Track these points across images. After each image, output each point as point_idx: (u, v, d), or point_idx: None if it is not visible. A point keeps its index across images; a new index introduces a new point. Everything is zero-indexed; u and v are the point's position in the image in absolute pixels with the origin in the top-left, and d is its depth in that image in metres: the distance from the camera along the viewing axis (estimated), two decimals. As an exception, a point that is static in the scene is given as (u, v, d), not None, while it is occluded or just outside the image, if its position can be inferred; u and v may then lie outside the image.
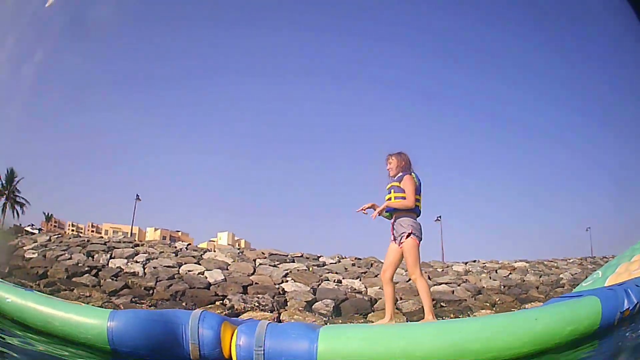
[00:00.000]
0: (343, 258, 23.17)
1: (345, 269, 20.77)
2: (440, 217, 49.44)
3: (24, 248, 21.41)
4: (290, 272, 18.85)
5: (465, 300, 17.06)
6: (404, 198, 5.81)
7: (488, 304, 16.72)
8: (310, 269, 20.06)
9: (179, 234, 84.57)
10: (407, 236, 5.70)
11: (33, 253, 20.14)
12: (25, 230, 58.37)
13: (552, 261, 26.53)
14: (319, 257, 23.06)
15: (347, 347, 3.97)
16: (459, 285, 18.85)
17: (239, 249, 26.57)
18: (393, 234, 5.93)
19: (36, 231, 54.55)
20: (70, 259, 18.82)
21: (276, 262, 20.47)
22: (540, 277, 22.04)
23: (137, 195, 50.60)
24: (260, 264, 19.92)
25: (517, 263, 24.55)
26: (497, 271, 22.78)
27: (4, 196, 67.18)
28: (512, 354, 3.78)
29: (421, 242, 5.78)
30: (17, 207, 68.28)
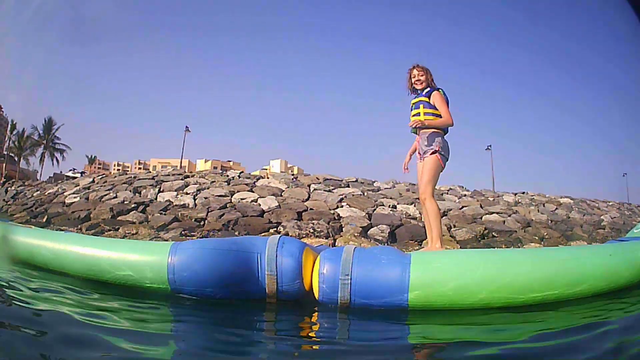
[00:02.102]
0: (397, 183, 23.42)
1: (400, 194, 20.84)
2: (490, 146, 49.69)
3: (65, 194, 21.61)
4: (345, 197, 18.89)
5: (516, 231, 17.31)
6: (435, 115, 5.64)
7: (537, 238, 16.84)
8: (365, 193, 20.13)
9: (231, 163, 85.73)
10: (432, 153, 5.55)
11: (74, 197, 20.28)
12: (66, 176, 59.76)
13: (593, 201, 27.21)
14: (374, 182, 23.42)
15: (439, 274, 3.77)
16: (509, 216, 19.11)
17: (292, 174, 26.92)
18: (418, 151, 5.81)
19: (78, 175, 55.58)
20: (115, 197, 18.98)
21: (331, 187, 20.64)
22: (583, 215, 22.60)
23: (186, 127, 50.53)
24: (314, 190, 20.04)
25: (562, 199, 25.27)
26: (545, 205, 23.08)
27: (42, 145, 68.67)
28: (589, 288, 3.87)
29: (446, 163, 5.65)
30: (58, 155, 69.70)
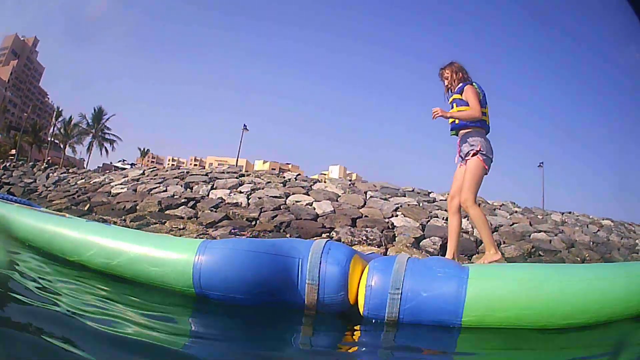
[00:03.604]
0: None
1: None
2: (542, 163, 50.42)
3: (111, 184, 22.18)
4: (401, 206, 18.97)
5: (560, 251, 17.26)
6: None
7: (578, 259, 16.88)
8: (421, 204, 20.14)
9: (289, 166, 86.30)
10: (474, 154, 5.31)
11: (121, 188, 20.78)
12: (115, 166, 61.04)
13: (630, 224, 27.17)
14: (430, 192, 23.57)
15: (498, 289, 3.51)
16: (555, 235, 19.18)
17: (350, 180, 27.06)
18: (460, 155, 5.57)
19: (128, 166, 56.69)
20: (165, 191, 19.39)
21: (387, 196, 20.74)
22: (621, 238, 22.54)
23: (244, 125, 51.20)
24: (370, 197, 20.25)
25: (604, 221, 25.63)
26: (588, 226, 23.26)
27: (91, 134, 70.28)
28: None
29: (491, 164, 5.41)
30: (107, 145, 71.22)
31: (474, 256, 13.96)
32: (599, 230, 22.45)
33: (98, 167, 59.88)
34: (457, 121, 5.51)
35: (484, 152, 5.29)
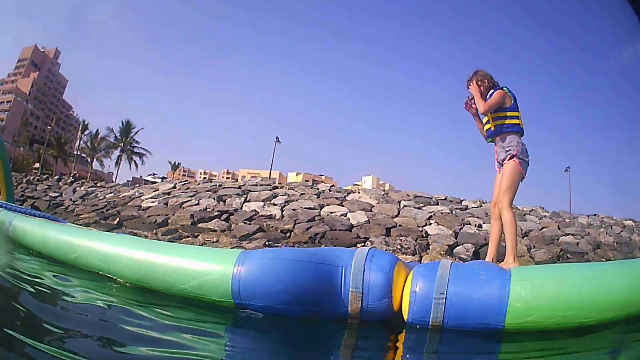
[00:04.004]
0: (484, 202, 23.66)
1: (486, 213, 20.87)
2: (568, 167, 51.63)
3: (141, 198, 22.38)
4: (434, 214, 19.11)
5: (587, 253, 17.37)
6: (502, 117, 5.55)
7: (604, 260, 16.61)
8: (453, 212, 20.46)
9: (322, 177, 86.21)
10: (510, 158, 5.40)
11: (152, 202, 20.90)
12: (145, 180, 61.54)
13: None
14: (462, 200, 24.03)
15: (541, 291, 3.50)
16: (582, 238, 19.18)
17: (383, 190, 26.99)
18: (497, 161, 5.67)
19: (158, 180, 57.16)
20: (197, 204, 19.44)
21: (420, 205, 20.96)
22: None
23: (276, 137, 51.72)
24: (404, 206, 20.38)
25: (626, 221, 25.60)
26: (612, 227, 23.20)
27: (119, 148, 70.98)
28: None
29: (527, 169, 5.46)
30: (136, 159, 71.89)
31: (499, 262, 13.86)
32: (622, 231, 22.59)
33: (127, 181, 60.65)
34: (492, 128, 5.58)
35: (519, 156, 5.34)
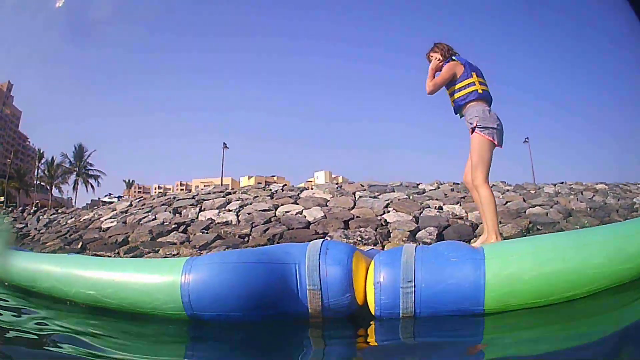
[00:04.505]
0: (442, 184, 24.00)
1: (445, 194, 21.23)
2: (527, 138, 53.23)
3: (101, 219, 21.98)
4: (392, 202, 19.08)
5: (558, 222, 17.43)
6: (457, 90, 5.26)
7: (578, 227, 16.46)
8: (411, 197, 20.57)
9: (275, 178, 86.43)
10: (472, 131, 5.09)
11: (111, 222, 20.57)
12: (103, 201, 61.31)
13: (625, 184, 27.79)
14: (418, 184, 24.20)
15: (518, 268, 3.25)
16: (551, 207, 19.38)
17: (337, 184, 27.21)
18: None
19: (115, 200, 56.96)
20: (154, 219, 19.17)
21: (376, 193, 20.94)
22: (618, 200, 22.87)
23: (224, 143, 51.75)
24: (360, 197, 20.34)
25: (598, 185, 26.19)
26: (583, 193, 23.64)
27: (74, 172, 71.09)
28: None
29: (499, 136, 5.12)
30: (92, 181, 72.01)
31: (471, 240, 13.62)
32: (594, 196, 22.89)
33: (86, 204, 60.41)
34: (452, 104, 5.36)
35: (481, 125, 4.99)
